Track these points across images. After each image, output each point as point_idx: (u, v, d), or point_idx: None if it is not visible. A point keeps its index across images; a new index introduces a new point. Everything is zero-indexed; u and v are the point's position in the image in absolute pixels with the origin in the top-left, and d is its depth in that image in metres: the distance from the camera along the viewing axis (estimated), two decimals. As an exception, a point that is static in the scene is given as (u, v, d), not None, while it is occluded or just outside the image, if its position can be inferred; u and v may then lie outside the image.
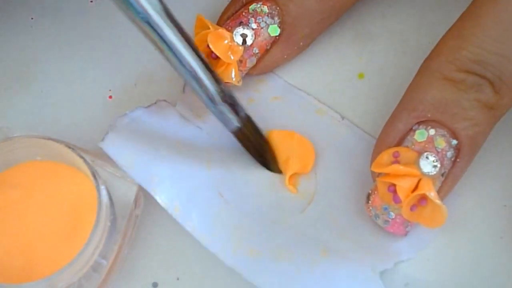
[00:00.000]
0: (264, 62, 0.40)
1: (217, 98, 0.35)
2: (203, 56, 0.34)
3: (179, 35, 0.33)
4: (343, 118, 0.40)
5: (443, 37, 0.36)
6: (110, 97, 0.41)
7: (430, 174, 0.34)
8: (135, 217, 0.37)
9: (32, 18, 0.43)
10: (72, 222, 0.34)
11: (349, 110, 0.40)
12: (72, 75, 0.41)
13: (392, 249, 0.37)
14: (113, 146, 0.37)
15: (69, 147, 0.35)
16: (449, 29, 0.36)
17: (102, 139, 0.38)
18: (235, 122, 0.37)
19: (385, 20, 0.43)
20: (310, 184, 0.38)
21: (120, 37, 0.42)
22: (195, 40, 0.39)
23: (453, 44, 0.35)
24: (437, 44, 0.36)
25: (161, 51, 0.33)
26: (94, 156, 0.36)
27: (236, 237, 0.37)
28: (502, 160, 0.39)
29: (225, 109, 0.36)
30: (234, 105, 0.36)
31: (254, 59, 0.39)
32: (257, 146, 0.38)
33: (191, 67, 0.34)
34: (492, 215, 0.38)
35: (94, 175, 0.34)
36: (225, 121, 0.37)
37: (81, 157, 0.34)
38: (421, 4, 0.43)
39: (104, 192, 0.34)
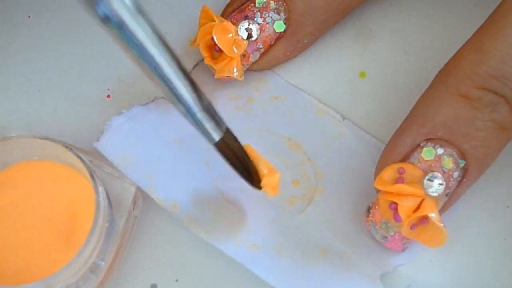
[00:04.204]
0: (267, 57, 0.40)
1: (195, 107, 0.32)
2: (179, 59, 0.31)
3: (152, 34, 0.29)
4: (343, 118, 0.40)
5: (461, 50, 0.35)
6: (108, 96, 0.41)
7: (434, 194, 0.34)
8: (133, 218, 0.36)
9: (29, 17, 0.43)
10: (70, 223, 0.34)
11: (350, 109, 0.40)
12: (69, 74, 0.41)
13: (391, 253, 0.36)
14: (108, 146, 0.37)
15: (67, 147, 0.35)
16: (468, 42, 0.35)
17: (97, 139, 0.38)
18: (216, 134, 0.33)
19: (387, 19, 0.42)
20: (309, 185, 0.38)
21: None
22: (199, 31, 0.38)
23: (472, 58, 0.34)
24: (454, 57, 0.35)
25: (131, 55, 0.30)
26: (92, 156, 0.36)
27: (236, 232, 0.37)
28: (505, 161, 0.38)
29: (205, 119, 0.32)
30: (214, 116, 0.33)
31: (257, 54, 0.39)
32: (241, 159, 0.35)
33: (163, 72, 0.30)
34: (494, 216, 0.38)
35: (92, 175, 0.34)
36: (206, 133, 0.33)
37: (79, 157, 0.34)
38: (423, 3, 0.43)
39: (102, 193, 0.34)
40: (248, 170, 0.35)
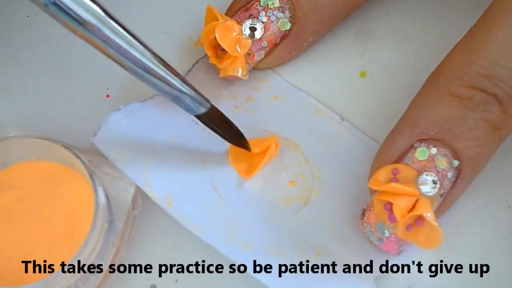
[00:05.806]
0: (272, 56, 0.40)
1: (179, 83, 0.34)
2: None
3: (121, 32, 0.32)
4: (342, 119, 0.40)
5: (451, 52, 0.35)
6: (108, 96, 0.41)
7: (429, 194, 0.34)
8: (132, 218, 0.36)
9: (28, 16, 0.43)
10: (69, 224, 0.34)
11: (350, 109, 0.40)
12: (68, 74, 0.41)
13: (387, 255, 0.36)
14: (105, 141, 0.37)
15: (66, 147, 0.34)
16: (458, 44, 0.35)
17: (94, 134, 0.37)
18: (204, 102, 0.35)
19: (388, 18, 0.42)
20: (306, 186, 0.38)
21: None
22: (203, 31, 0.38)
23: (462, 59, 0.34)
24: (445, 59, 0.35)
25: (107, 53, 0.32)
26: (91, 156, 0.36)
27: (230, 230, 0.37)
28: (506, 161, 0.38)
29: (192, 91, 0.34)
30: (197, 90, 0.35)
31: (263, 53, 0.39)
32: (227, 125, 0.37)
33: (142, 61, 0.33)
34: (496, 216, 0.37)
35: (91, 175, 0.34)
36: (193, 104, 0.35)
37: (78, 157, 0.34)
38: (425, 2, 0.43)
39: (101, 193, 0.34)
40: (239, 136, 0.37)
